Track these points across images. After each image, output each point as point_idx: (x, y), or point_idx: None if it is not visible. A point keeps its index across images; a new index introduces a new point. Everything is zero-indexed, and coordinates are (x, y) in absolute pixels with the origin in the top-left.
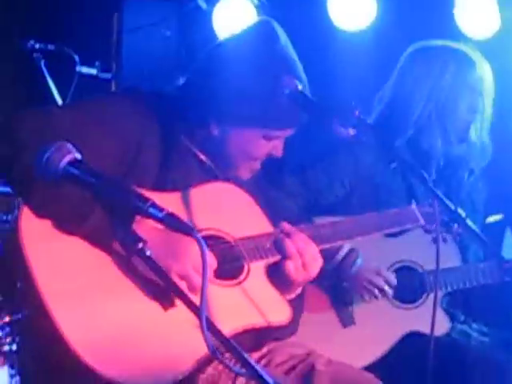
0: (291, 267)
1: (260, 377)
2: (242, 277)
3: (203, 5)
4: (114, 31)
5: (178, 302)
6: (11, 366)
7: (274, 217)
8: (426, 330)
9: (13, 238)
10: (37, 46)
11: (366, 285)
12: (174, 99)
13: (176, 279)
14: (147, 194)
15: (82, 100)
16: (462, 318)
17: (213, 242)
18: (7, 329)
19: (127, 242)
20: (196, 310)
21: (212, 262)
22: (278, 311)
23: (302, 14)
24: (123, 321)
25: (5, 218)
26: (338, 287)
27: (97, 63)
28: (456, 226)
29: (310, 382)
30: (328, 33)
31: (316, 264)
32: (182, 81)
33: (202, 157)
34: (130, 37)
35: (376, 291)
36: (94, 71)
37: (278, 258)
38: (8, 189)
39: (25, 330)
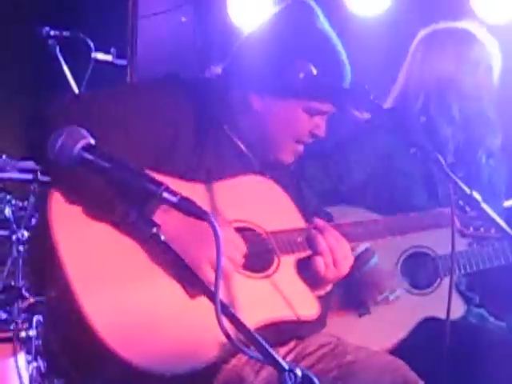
0: (321, 264)
1: (275, 361)
2: (271, 270)
3: None
4: (129, 17)
5: None
6: (28, 352)
7: (305, 211)
8: (442, 315)
9: (42, 221)
10: (52, 32)
11: (377, 286)
12: (215, 85)
13: (208, 267)
14: (180, 182)
15: (119, 87)
16: (477, 300)
17: (244, 233)
18: (23, 315)
19: (141, 226)
20: (211, 294)
21: (241, 247)
22: (306, 306)
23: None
24: (148, 305)
25: (20, 204)
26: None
27: (112, 49)
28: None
29: (343, 372)
30: (343, 18)
31: (347, 262)
32: (217, 68)
33: (242, 147)
34: (145, 23)
35: (386, 294)
36: (109, 57)
37: (308, 253)
38: (24, 176)
39: (49, 312)
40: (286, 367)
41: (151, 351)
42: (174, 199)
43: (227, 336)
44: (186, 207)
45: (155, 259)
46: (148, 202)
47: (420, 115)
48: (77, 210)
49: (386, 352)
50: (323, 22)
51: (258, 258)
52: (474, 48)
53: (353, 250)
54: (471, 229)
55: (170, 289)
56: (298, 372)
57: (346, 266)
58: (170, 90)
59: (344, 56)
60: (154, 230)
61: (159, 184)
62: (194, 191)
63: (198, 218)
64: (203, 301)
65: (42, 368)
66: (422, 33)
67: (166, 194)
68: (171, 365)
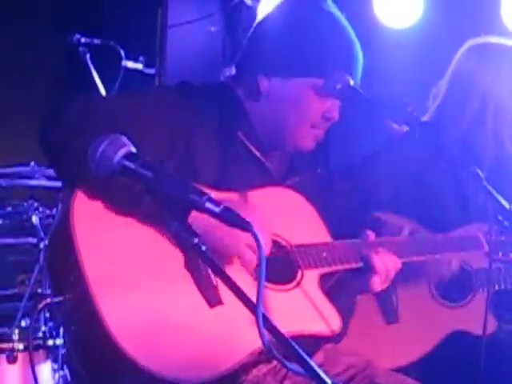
0: (378, 283)
1: (318, 376)
2: (294, 283)
3: (248, 0)
4: (158, 26)
5: (225, 299)
6: (54, 361)
7: (330, 219)
8: (473, 329)
9: (64, 221)
10: (83, 39)
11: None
12: (227, 87)
13: (246, 249)
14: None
15: (133, 90)
16: (508, 317)
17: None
18: (50, 323)
19: (182, 236)
20: (252, 306)
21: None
22: (327, 321)
23: (347, 11)
24: (166, 312)
25: (48, 212)
26: None
27: (141, 58)
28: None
29: None
30: (373, 30)
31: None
32: (231, 70)
33: (258, 154)
34: (175, 32)
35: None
36: (139, 66)
37: (333, 268)
38: (52, 184)
39: (65, 314)
40: (329, 382)
41: (167, 358)
42: (216, 209)
43: (268, 349)
44: (229, 218)
45: (177, 266)
46: (189, 212)
47: (458, 128)
48: (100, 210)
49: (412, 363)
50: (331, 5)
51: (282, 271)
52: None
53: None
54: (500, 254)
55: (190, 297)
56: None
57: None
58: (181, 95)
59: (354, 38)
60: (196, 240)
61: (202, 194)
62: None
63: (240, 228)
64: (221, 311)
65: (68, 377)
66: (470, 42)
67: (208, 204)
68: (186, 373)
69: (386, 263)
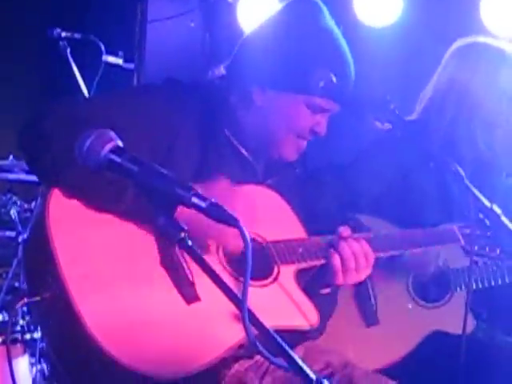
0: (338, 265)
1: (302, 370)
2: (271, 279)
3: None
4: (137, 21)
5: (202, 295)
6: (32, 355)
7: (310, 218)
8: (451, 329)
9: (40, 221)
10: (63, 34)
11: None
12: (216, 87)
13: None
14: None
15: (120, 89)
16: (485, 315)
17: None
18: (27, 317)
19: (169, 231)
20: (237, 301)
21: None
22: (304, 316)
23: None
24: (144, 308)
25: (26, 206)
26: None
27: (120, 53)
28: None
29: None
30: (353, 29)
31: (367, 270)
32: (219, 71)
33: (244, 152)
34: (154, 27)
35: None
36: (119, 61)
37: (309, 264)
38: (30, 178)
39: (42, 313)
40: (314, 378)
41: (145, 355)
42: (202, 204)
43: (254, 344)
44: (216, 213)
45: (154, 263)
46: (176, 207)
47: (440, 130)
48: (77, 208)
49: (392, 364)
50: (327, 18)
51: (258, 267)
52: (503, 73)
53: None
54: (476, 247)
55: (167, 294)
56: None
57: (365, 274)
58: (168, 95)
59: (348, 54)
60: (182, 234)
61: (188, 189)
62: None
63: (227, 224)
64: (199, 307)
65: (46, 371)
66: (458, 42)
67: (195, 199)
68: (164, 368)
69: (353, 249)
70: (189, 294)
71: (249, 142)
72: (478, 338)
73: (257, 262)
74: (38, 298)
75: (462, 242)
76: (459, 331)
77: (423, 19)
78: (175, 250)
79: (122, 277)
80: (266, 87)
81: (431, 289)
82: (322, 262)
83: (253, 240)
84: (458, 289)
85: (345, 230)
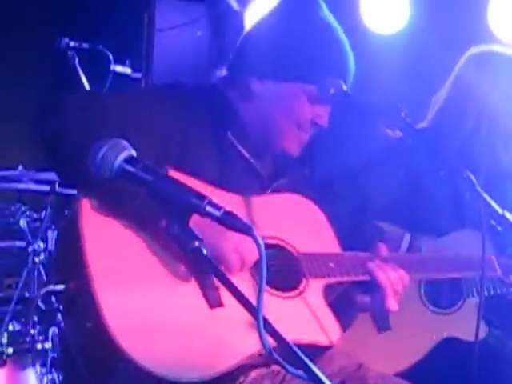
0: (389, 299)
1: (320, 380)
2: (297, 291)
3: (235, 5)
4: (144, 31)
5: (226, 301)
6: (43, 365)
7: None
8: (463, 335)
9: (73, 213)
10: (71, 43)
11: None
12: (218, 88)
13: (235, 256)
14: (216, 191)
15: (130, 90)
16: (497, 322)
17: (274, 251)
18: (38, 327)
19: (183, 240)
20: (252, 309)
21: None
22: (326, 332)
23: (334, 17)
24: (166, 311)
25: (35, 215)
26: None
27: (127, 62)
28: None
29: None
30: (360, 36)
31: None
32: (222, 71)
33: (248, 155)
34: (161, 36)
35: None
36: (128, 70)
37: (339, 279)
38: (39, 187)
39: (67, 304)
40: None
41: (163, 356)
42: (217, 213)
43: (270, 353)
44: (230, 222)
45: (181, 266)
46: (190, 216)
47: (456, 138)
48: (108, 213)
49: (404, 370)
50: (325, 10)
51: (286, 278)
52: None
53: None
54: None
55: (190, 297)
56: None
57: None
58: (176, 98)
59: (347, 45)
60: (196, 243)
61: (203, 197)
62: (230, 202)
63: (241, 232)
64: (221, 313)
65: (57, 381)
66: (472, 49)
67: (209, 208)
68: (182, 372)
69: (390, 277)
70: (213, 299)
71: (251, 141)
72: (489, 344)
73: (285, 273)
74: (61, 287)
75: (499, 272)
76: (471, 338)
77: (430, 26)
78: None
79: (146, 276)
80: (263, 78)
81: (443, 295)
82: (354, 278)
83: (283, 250)
84: (470, 295)
85: (382, 249)
